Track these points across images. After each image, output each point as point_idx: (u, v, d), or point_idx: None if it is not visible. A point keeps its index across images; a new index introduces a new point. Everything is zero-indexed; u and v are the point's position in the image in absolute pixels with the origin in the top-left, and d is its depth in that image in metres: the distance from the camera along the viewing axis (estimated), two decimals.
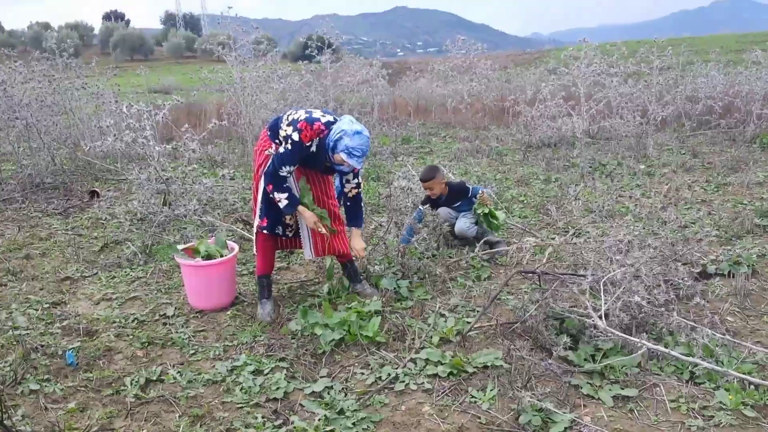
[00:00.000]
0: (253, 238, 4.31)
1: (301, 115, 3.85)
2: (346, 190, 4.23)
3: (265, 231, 4.16)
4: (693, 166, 8.49)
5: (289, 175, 3.93)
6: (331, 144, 3.79)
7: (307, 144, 3.82)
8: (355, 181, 4.19)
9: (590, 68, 9.12)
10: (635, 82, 10.62)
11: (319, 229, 4.03)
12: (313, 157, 3.90)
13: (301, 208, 3.99)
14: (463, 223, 5.39)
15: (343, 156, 3.75)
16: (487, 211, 5.28)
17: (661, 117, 9.56)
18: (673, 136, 10.61)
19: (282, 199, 3.91)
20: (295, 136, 3.80)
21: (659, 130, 10.88)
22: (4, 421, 2.49)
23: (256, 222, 4.20)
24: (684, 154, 9.40)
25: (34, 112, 8.03)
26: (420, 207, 5.31)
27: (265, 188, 4.01)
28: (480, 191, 5.36)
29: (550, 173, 8.43)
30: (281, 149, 3.88)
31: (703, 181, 7.73)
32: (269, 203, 4.07)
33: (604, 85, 9.93)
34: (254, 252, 4.35)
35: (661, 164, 8.68)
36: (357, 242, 4.35)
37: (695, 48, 23.80)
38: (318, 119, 3.83)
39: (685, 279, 4.05)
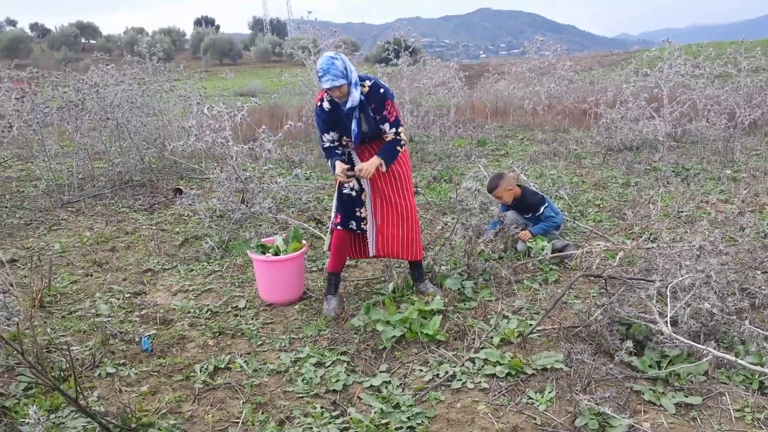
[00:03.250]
0: (328, 236, 4.40)
1: None
2: (384, 138, 4.09)
3: (339, 227, 4.23)
4: None
5: (332, 144, 4.06)
6: None
7: (319, 104, 3.97)
8: (392, 130, 4.00)
9: (673, 69, 8.82)
10: (722, 83, 10.20)
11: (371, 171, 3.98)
12: (335, 114, 3.95)
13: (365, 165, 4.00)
14: (524, 244, 5.31)
15: (319, 84, 3.83)
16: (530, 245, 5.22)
17: (749, 120, 9.13)
18: (764, 140, 10.13)
19: (329, 166, 4.10)
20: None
21: (748, 134, 10.41)
22: (80, 401, 2.67)
23: (332, 220, 4.30)
24: None
25: (124, 113, 8.49)
26: (498, 216, 5.30)
27: (338, 184, 4.14)
28: (522, 227, 5.35)
29: (629, 177, 8.21)
30: None
31: None
32: (342, 200, 4.18)
33: (690, 86, 9.59)
34: (327, 249, 4.43)
35: (749, 169, 8.31)
36: (367, 162, 4.00)
37: None
38: None
39: (762, 287, 3.89)
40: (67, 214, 7.10)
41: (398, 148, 4.04)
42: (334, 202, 4.25)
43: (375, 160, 3.97)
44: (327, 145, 4.06)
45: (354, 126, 3.93)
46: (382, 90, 3.92)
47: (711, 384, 3.17)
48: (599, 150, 10.35)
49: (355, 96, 3.82)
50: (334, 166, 4.00)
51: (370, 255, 4.33)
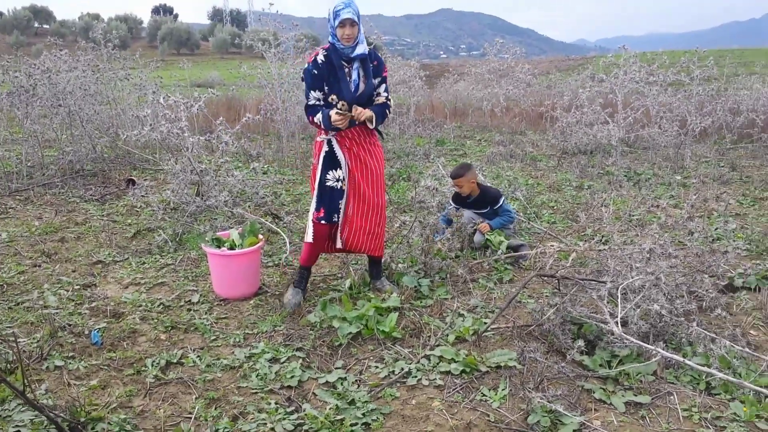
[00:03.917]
0: (308, 228, 4.28)
1: None
2: (375, 100, 4.17)
3: (323, 222, 4.17)
4: (730, 179, 8.34)
5: (317, 101, 4.04)
6: (329, 30, 3.96)
7: (313, 58, 4.00)
8: (385, 94, 4.18)
9: (628, 76, 9.01)
10: (675, 91, 10.47)
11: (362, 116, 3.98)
12: (330, 68, 3.97)
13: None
14: (482, 236, 5.38)
15: (332, 22, 3.88)
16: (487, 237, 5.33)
17: (700, 128, 9.40)
18: (713, 148, 10.44)
19: (319, 120, 4.01)
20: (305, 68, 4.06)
21: (698, 142, 10.71)
22: (27, 394, 2.59)
23: (312, 214, 4.22)
24: (723, 166, 9.25)
25: (77, 100, 8.26)
26: (447, 206, 5.33)
27: (320, 177, 4.12)
28: (482, 222, 5.42)
29: (583, 180, 8.37)
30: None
31: (740, 194, 7.59)
32: (323, 192, 4.14)
33: (644, 93, 9.82)
34: (310, 240, 4.25)
35: (699, 175, 8.56)
36: (364, 110, 4.02)
37: (743, 60, 23.32)
38: None
39: (709, 290, 4.01)
40: (15, 202, 6.89)
41: (387, 111, 4.22)
42: (315, 196, 4.18)
43: (369, 111, 4.03)
44: (312, 102, 4.06)
45: (355, 76, 4.01)
46: (380, 54, 4.13)
47: (659, 384, 3.26)
48: (554, 153, 10.52)
49: (365, 45, 3.95)
50: (327, 117, 3.95)
51: (338, 248, 4.31)
